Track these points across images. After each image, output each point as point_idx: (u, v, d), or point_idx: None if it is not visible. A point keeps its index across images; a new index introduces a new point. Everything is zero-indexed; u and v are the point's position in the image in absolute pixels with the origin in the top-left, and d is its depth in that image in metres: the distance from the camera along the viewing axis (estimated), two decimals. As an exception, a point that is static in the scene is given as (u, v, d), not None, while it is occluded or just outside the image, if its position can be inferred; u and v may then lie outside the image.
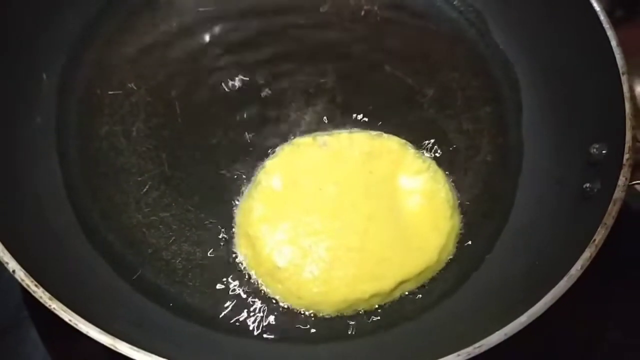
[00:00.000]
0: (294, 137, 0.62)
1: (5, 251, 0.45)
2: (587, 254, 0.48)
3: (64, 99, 0.64)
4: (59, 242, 0.55)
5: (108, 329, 0.44)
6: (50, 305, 0.43)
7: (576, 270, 0.47)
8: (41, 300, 0.44)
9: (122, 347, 0.42)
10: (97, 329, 0.43)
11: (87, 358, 0.58)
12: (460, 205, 0.60)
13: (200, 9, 0.70)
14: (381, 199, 0.58)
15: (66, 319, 0.43)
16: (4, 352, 0.59)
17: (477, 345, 0.43)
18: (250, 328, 0.54)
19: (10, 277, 0.59)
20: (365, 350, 0.53)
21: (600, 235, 0.49)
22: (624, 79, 0.56)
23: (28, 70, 0.62)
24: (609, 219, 0.50)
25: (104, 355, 0.55)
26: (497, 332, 0.44)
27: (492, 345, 0.44)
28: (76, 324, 0.43)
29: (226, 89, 0.66)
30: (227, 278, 0.56)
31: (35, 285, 0.44)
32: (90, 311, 0.45)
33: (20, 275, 0.44)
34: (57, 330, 0.57)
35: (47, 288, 0.44)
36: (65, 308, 0.43)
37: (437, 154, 0.63)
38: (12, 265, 0.45)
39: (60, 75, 0.64)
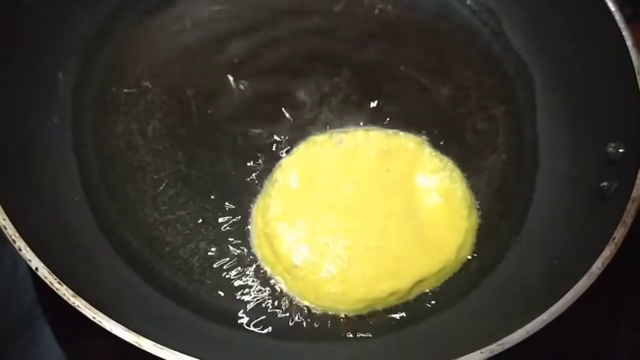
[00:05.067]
0: (310, 135, 0.62)
1: (28, 249, 0.45)
2: (607, 252, 0.48)
3: (80, 97, 0.64)
4: (77, 240, 0.55)
5: (130, 326, 0.44)
6: (73, 303, 0.43)
7: (597, 268, 0.47)
8: (64, 298, 0.44)
9: (147, 345, 0.42)
10: (121, 326, 0.43)
11: (101, 356, 0.58)
12: (477, 204, 0.60)
13: (215, 8, 0.71)
14: (398, 198, 0.58)
15: (90, 317, 0.43)
16: (18, 351, 0.59)
17: (500, 342, 0.43)
18: (267, 326, 0.54)
19: (24, 276, 0.61)
20: (385, 350, 0.53)
21: (619, 234, 0.49)
22: (639, 78, 0.56)
23: (44, 69, 0.62)
24: (628, 218, 0.50)
25: (118, 353, 0.56)
26: (520, 330, 0.44)
27: (514, 343, 0.44)
28: (100, 322, 0.43)
29: (241, 88, 0.66)
30: (244, 276, 0.56)
31: (59, 283, 0.44)
32: (110, 308, 0.45)
33: (44, 273, 0.45)
34: (71, 329, 0.58)
35: (68, 286, 0.44)
36: (88, 305, 0.43)
37: (452, 153, 0.63)
38: (35, 262, 0.45)
39: (76, 74, 0.65)
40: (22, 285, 0.60)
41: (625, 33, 0.58)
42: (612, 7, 0.60)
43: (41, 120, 0.60)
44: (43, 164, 0.58)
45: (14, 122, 0.57)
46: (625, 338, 0.61)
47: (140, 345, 0.42)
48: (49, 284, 0.44)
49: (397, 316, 0.55)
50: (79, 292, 0.44)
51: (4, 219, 0.46)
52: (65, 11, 0.64)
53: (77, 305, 0.43)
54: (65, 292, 0.44)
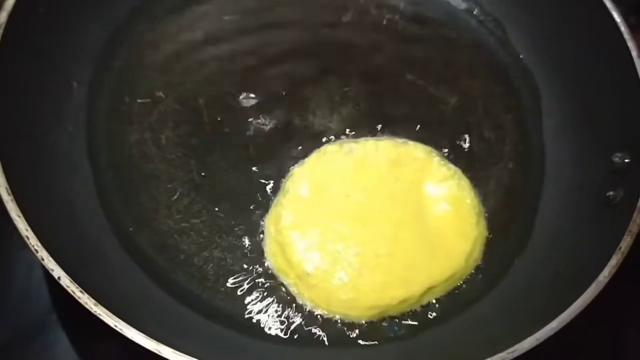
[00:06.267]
0: (321, 145, 0.63)
1: (50, 258, 0.46)
2: (614, 261, 0.49)
3: (94, 107, 0.65)
4: (93, 248, 0.56)
5: (149, 333, 0.45)
6: (95, 311, 0.44)
7: (604, 276, 0.49)
8: (86, 306, 0.45)
9: (166, 352, 0.43)
10: (141, 334, 0.44)
11: (116, 360, 0.59)
12: (485, 212, 0.61)
13: (226, 17, 0.72)
14: (408, 206, 0.59)
15: (111, 325, 0.44)
16: (34, 355, 0.60)
17: (510, 350, 0.45)
18: (280, 333, 0.55)
19: (39, 281, 0.62)
20: (395, 356, 0.54)
21: (625, 243, 0.50)
22: (644, 88, 0.57)
23: (58, 78, 0.63)
24: (634, 227, 0.51)
25: (132, 358, 0.57)
26: (529, 338, 0.45)
27: (524, 351, 0.45)
28: (121, 329, 0.44)
29: (252, 97, 0.67)
30: (257, 284, 0.57)
31: (81, 292, 0.45)
32: (127, 316, 0.46)
33: (66, 282, 0.45)
34: (86, 334, 0.59)
35: (90, 294, 0.45)
36: (109, 313, 0.44)
37: (460, 161, 0.64)
38: (57, 272, 0.46)
39: (90, 84, 0.65)
40: (37, 290, 0.61)
41: (630, 44, 0.59)
42: (617, 18, 0.61)
43: (56, 128, 0.61)
44: (58, 173, 0.59)
45: (30, 130, 0.58)
46: (633, 345, 0.61)
47: (159, 352, 0.43)
48: (71, 292, 0.45)
49: (407, 323, 0.56)
50: (99, 300, 0.45)
51: (27, 229, 0.47)
52: (79, 21, 0.65)
53: (99, 314, 0.44)
54: (87, 300, 0.45)
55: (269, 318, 0.56)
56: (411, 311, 0.56)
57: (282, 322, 0.56)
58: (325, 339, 0.55)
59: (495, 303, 0.56)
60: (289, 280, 0.57)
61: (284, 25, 0.72)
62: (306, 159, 0.62)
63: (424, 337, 0.55)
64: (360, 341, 0.55)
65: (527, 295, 0.55)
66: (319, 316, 0.56)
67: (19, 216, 0.47)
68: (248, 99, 0.66)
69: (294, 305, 0.56)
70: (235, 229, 0.59)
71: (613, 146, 0.58)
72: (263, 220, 0.60)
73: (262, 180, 0.62)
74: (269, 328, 0.55)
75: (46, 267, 0.46)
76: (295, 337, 0.55)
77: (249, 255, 0.58)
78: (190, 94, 0.66)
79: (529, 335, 0.45)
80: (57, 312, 0.61)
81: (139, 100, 0.66)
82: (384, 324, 0.56)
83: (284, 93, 0.67)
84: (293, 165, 0.62)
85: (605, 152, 0.59)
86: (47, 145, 0.59)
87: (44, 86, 0.61)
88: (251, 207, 0.60)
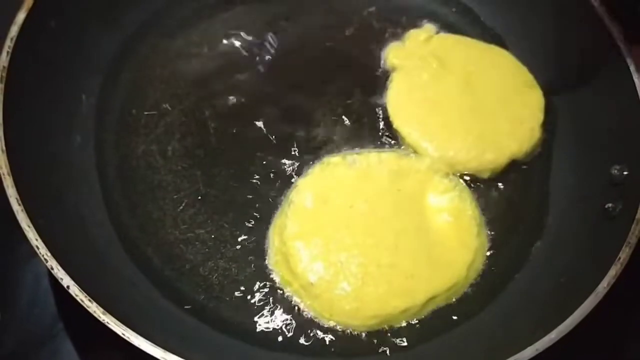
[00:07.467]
0: (324, 156, 0.64)
1: (60, 268, 0.47)
2: (613, 272, 0.50)
3: (102, 119, 0.66)
4: (100, 257, 0.57)
5: (156, 341, 0.45)
6: (103, 320, 0.45)
7: (603, 287, 0.49)
8: (95, 315, 0.46)
9: (173, 360, 0.44)
10: (149, 342, 0.45)
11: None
12: (487, 223, 0.62)
13: (230, 32, 0.73)
14: (410, 217, 0.60)
15: (119, 333, 0.45)
16: (40, 365, 0.61)
17: (510, 359, 0.45)
18: (284, 342, 0.56)
19: (45, 291, 0.63)
20: (399, 365, 0.55)
21: (624, 254, 0.51)
22: (642, 102, 0.58)
23: (68, 91, 0.64)
24: (632, 238, 0.52)
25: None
26: (529, 347, 0.46)
27: (524, 360, 0.46)
28: (129, 338, 0.45)
29: (257, 110, 0.68)
30: (261, 293, 0.58)
31: (89, 300, 0.46)
32: (134, 324, 0.47)
33: (75, 290, 0.46)
34: (92, 343, 0.60)
35: (98, 303, 0.46)
36: (118, 322, 0.45)
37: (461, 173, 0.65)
38: (67, 281, 0.47)
39: (98, 96, 0.67)
40: (44, 299, 0.62)
41: (629, 60, 0.60)
42: (615, 33, 0.62)
43: (66, 140, 0.63)
44: (68, 183, 0.60)
45: (40, 141, 0.59)
46: (632, 354, 0.62)
47: (166, 360, 0.44)
48: (80, 301, 0.46)
49: (409, 333, 0.56)
50: (107, 308, 0.46)
51: (37, 239, 0.48)
52: (88, 34, 0.67)
53: (107, 322, 0.45)
54: (95, 309, 0.46)
55: (272, 327, 0.56)
56: (412, 321, 0.57)
57: (285, 331, 0.56)
58: (328, 348, 0.56)
59: (496, 313, 0.57)
60: (293, 290, 0.58)
61: (288, 40, 0.73)
62: (310, 171, 0.63)
63: (426, 347, 0.55)
64: (362, 351, 0.56)
65: (527, 305, 0.56)
66: (322, 325, 0.57)
67: (29, 226, 0.48)
68: (253, 112, 0.67)
69: (297, 314, 0.57)
70: (240, 239, 0.60)
71: (612, 159, 0.59)
72: (267, 231, 0.61)
73: (267, 191, 0.63)
74: (272, 337, 0.56)
75: (55, 276, 0.47)
76: (299, 346, 0.56)
77: (253, 265, 0.59)
78: (196, 106, 0.68)
79: (529, 345, 0.46)
80: (63, 322, 0.61)
81: (146, 113, 0.67)
82: (386, 333, 0.56)
83: (288, 106, 0.68)
84: (297, 176, 0.63)
85: (604, 165, 0.60)
86: (56, 156, 0.61)
87: (53, 98, 0.62)
88: (255, 218, 0.61)
